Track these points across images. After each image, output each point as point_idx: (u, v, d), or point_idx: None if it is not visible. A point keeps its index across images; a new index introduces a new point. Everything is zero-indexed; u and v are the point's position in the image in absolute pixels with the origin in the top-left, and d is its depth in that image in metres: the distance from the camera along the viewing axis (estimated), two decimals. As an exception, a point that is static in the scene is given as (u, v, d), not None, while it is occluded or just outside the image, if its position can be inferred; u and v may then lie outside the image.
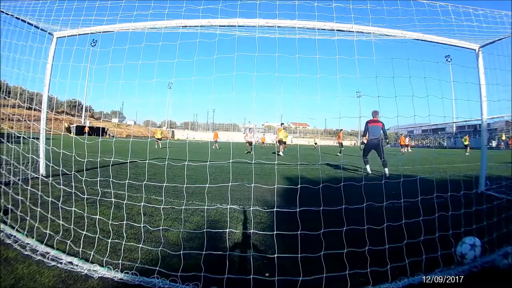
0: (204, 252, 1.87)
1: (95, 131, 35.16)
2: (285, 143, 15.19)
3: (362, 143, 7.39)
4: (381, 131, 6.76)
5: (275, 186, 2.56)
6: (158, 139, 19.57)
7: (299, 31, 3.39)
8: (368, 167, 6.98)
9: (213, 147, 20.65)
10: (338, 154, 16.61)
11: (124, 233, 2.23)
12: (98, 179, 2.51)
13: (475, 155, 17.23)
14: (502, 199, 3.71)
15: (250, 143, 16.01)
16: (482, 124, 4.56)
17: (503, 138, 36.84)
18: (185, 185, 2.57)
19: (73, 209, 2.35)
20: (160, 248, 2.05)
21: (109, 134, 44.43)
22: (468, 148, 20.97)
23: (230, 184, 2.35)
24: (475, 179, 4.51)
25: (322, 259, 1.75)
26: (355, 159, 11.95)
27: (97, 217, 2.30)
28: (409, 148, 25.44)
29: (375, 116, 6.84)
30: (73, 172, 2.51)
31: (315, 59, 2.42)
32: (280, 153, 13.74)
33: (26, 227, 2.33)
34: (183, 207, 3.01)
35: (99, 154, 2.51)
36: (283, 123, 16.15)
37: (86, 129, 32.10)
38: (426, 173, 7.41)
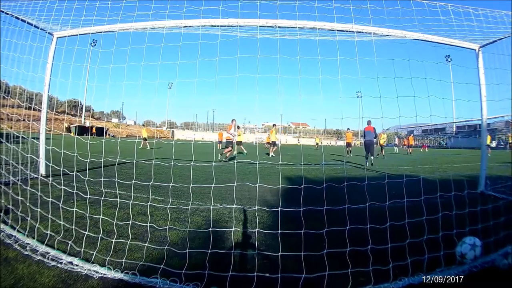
0: (209, 251, 1.87)
1: (96, 131, 35.36)
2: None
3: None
4: (373, 134, 9.70)
5: (279, 186, 2.56)
6: (144, 138, 17.28)
7: (299, 32, 3.39)
8: (366, 162, 9.59)
9: (218, 147, 20.42)
10: (348, 155, 16.17)
11: (129, 233, 2.22)
12: (102, 179, 2.51)
13: (476, 155, 17.23)
14: (502, 199, 3.72)
15: (230, 144, 10.46)
16: (482, 124, 4.56)
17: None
18: (191, 185, 2.57)
19: (74, 209, 2.35)
20: (161, 248, 2.05)
21: (109, 134, 44.54)
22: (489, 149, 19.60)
23: (235, 184, 2.35)
24: (475, 179, 4.51)
25: (325, 258, 1.75)
26: (358, 158, 11.92)
27: (99, 217, 2.30)
28: (425, 148, 24.42)
29: (368, 124, 9.70)
30: (75, 173, 2.51)
31: (316, 59, 2.42)
32: (272, 154, 13.35)
33: (26, 227, 2.33)
34: (188, 206, 3.02)
35: (103, 154, 2.50)
36: (275, 124, 15.64)
37: (94, 130, 32.35)
38: (427, 173, 7.41)
